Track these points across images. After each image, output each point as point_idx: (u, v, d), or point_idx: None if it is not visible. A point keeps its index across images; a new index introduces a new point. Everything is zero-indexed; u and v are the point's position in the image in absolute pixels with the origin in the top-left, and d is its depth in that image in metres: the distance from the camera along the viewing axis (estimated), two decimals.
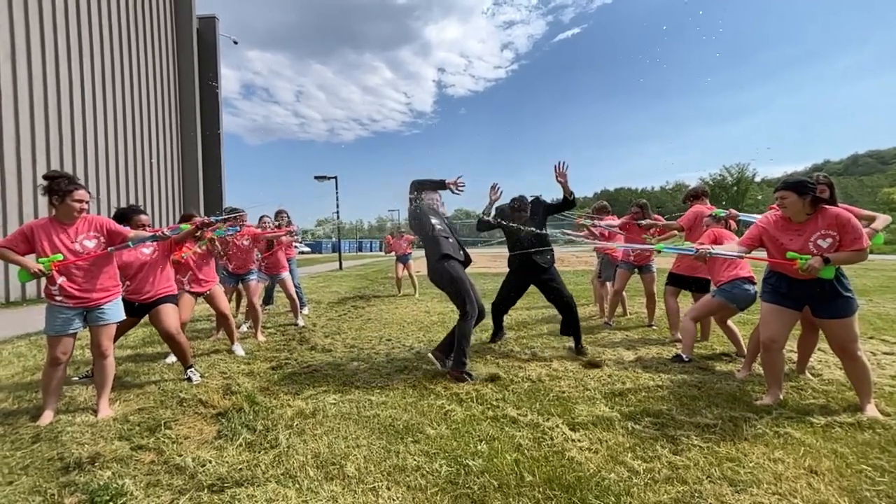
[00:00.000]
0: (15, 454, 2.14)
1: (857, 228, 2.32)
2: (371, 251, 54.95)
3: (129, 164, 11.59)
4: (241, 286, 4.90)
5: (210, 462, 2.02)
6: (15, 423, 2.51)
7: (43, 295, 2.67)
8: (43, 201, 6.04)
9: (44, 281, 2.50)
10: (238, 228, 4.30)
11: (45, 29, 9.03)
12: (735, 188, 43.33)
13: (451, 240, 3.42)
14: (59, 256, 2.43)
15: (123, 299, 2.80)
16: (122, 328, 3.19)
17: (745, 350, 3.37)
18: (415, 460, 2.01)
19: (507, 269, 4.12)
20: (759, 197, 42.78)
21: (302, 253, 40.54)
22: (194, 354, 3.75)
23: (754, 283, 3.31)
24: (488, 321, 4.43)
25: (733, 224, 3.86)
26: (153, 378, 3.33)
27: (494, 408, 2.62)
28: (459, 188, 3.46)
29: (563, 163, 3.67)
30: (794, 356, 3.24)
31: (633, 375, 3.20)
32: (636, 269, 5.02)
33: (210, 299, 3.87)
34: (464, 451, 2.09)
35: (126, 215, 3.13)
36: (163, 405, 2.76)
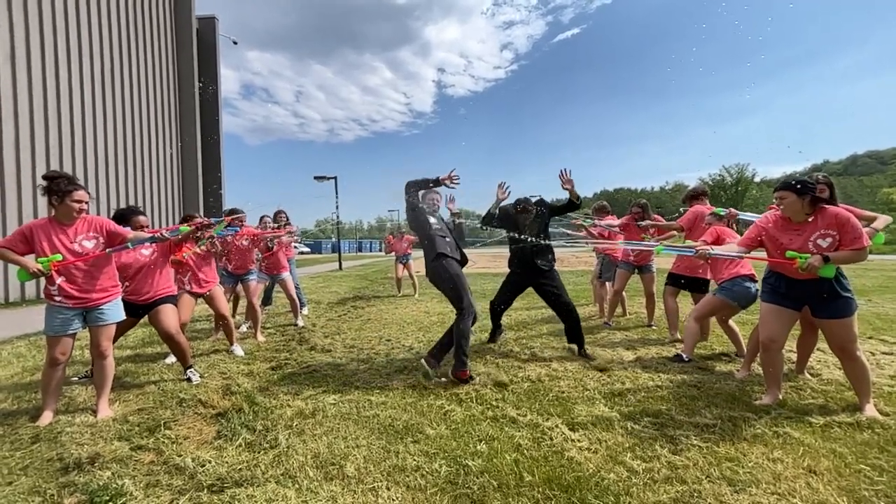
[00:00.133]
0: (14, 454, 2.14)
1: (856, 228, 2.32)
2: (371, 251, 54.97)
3: (129, 165, 11.58)
4: (240, 286, 4.90)
5: (210, 462, 2.02)
6: (14, 423, 2.51)
7: (42, 295, 2.67)
8: (43, 202, 6.04)
9: (43, 281, 2.50)
10: (237, 228, 4.30)
11: (45, 30, 9.03)
12: (735, 188, 43.41)
13: (447, 239, 3.43)
14: (59, 257, 2.43)
15: (123, 300, 2.81)
16: (122, 328, 3.18)
17: (745, 350, 3.37)
18: (414, 460, 2.01)
19: (508, 270, 4.12)
20: (755, 192, 42.85)
21: (301, 253, 40.54)
22: (194, 355, 3.75)
23: (755, 281, 3.31)
24: (486, 322, 4.43)
25: (733, 225, 3.87)
26: (153, 378, 3.33)
27: (494, 408, 2.63)
28: (454, 182, 3.46)
29: (568, 170, 3.70)
30: (794, 356, 3.25)
31: (632, 375, 3.21)
32: (636, 270, 5.03)
33: (210, 300, 3.87)
34: (463, 451, 2.09)
35: (125, 216, 3.15)
36: (162, 405, 2.76)
